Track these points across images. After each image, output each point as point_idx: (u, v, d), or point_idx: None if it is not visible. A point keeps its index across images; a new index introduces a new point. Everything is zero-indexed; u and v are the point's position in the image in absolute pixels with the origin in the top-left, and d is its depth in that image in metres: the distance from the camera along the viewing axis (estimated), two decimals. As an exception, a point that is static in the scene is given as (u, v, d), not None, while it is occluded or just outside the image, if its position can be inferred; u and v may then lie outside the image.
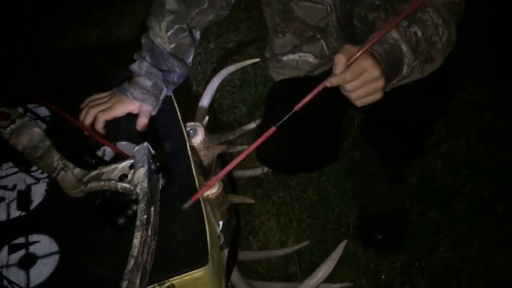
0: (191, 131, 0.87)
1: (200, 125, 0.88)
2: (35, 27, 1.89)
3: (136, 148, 0.65)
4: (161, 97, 0.85)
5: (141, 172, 0.62)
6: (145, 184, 0.60)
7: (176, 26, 0.84)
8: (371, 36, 0.66)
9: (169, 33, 0.83)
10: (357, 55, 0.64)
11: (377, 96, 0.69)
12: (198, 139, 0.86)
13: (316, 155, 1.12)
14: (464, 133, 1.39)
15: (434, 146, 1.34)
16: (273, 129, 0.65)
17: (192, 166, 0.76)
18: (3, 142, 0.72)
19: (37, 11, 1.95)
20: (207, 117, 1.01)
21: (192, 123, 0.88)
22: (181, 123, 0.84)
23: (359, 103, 0.68)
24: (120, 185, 0.64)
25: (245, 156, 0.64)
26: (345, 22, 0.90)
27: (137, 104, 0.82)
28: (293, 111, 0.65)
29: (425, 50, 0.74)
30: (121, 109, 0.82)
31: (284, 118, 0.65)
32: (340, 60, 0.63)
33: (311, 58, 1.00)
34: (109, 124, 0.82)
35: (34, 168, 0.77)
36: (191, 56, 0.90)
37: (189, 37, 0.87)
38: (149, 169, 0.63)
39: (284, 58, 1.03)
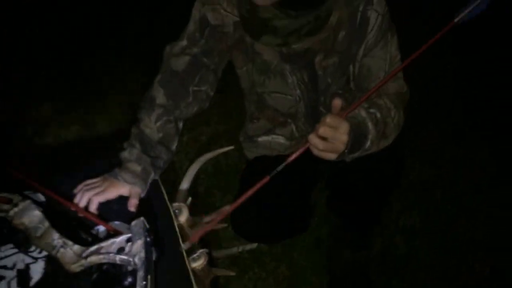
0: (177, 211, 0.97)
1: (184, 205, 0.98)
2: (17, 127, 2.00)
3: (133, 222, 0.74)
4: (149, 181, 0.95)
5: (139, 243, 0.70)
6: (143, 254, 0.68)
7: (164, 118, 0.96)
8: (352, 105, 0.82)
9: (157, 124, 0.96)
10: (346, 113, 0.80)
11: (331, 156, 0.82)
12: (183, 218, 0.96)
13: (288, 225, 1.21)
14: (417, 207, 1.56)
15: (392, 220, 1.49)
16: (267, 178, 0.76)
17: (180, 241, 0.85)
18: (3, 225, 0.79)
19: (19, 112, 2.08)
20: (190, 198, 1.11)
21: (177, 204, 0.98)
22: (168, 203, 0.94)
23: (314, 151, 0.82)
24: (118, 257, 0.72)
25: (234, 207, 0.74)
26: (312, 108, 1.07)
27: (128, 187, 0.91)
28: (284, 163, 0.78)
29: (381, 128, 0.91)
30: (113, 192, 0.90)
31: (277, 169, 0.77)
32: (335, 104, 0.80)
33: (282, 140, 1.15)
34: (101, 205, 0.90)
35: (32, 248, 0.83)
36: (175, 144, 1.02)
37: (175, 127, 1.00)
38: (146, 242, 0.72)
39: (259, 139, 1.17)
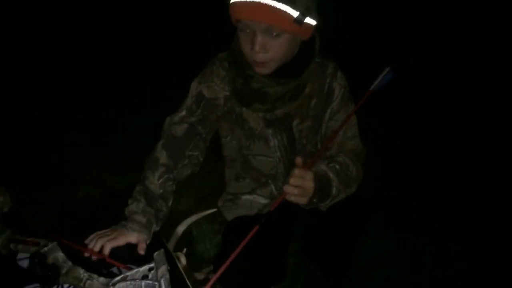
0: (176, 258, 1.07)
1: (182, 253, 1.09)
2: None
3: (156, 253, 0.85)
4: (152, 230, 1.05)
5: (163, 268, 0.80)
6: (168, 276, 0.78)
7: (166, 176, 1.11)
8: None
9: (160, 181, 1.10)
10: (309, 165, 1.01)
11: (304, 200, 1.02)
12: (182, 264, 1.06)
13: (267, 276, 1.28)
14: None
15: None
16: (257, 227, 0.89)
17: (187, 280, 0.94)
18: (39, 260, 0.84)
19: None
20: (185, 249, 1.18)
21: (175, 253, 1.08)
22: (170, 251, 1.04)
23: (290, 198, 1.01)
24: (144, 282, 0.80)
25: (228, 264, 0.87)
26: (290, 169, 1.19)
27: (135, 235, 1.01)
28: (271, 209, 0.95)
29: (343, 178, 1.11)
30: (123, 239, 1.00)
31: (265, 217, 0.93)
32: (297, 162, 1.00)
33: (262, 199, 1.30)
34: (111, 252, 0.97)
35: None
36: (171, 202, 1.14)
37: (172, 185, 1.13)
38: (168, 268, 0.82)
39: (242, 197, 1.31)
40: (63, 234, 0.99)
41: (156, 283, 0.80)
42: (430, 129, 2.88)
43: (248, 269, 1.20)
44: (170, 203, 1.14)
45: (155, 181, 1.10)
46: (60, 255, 0.87)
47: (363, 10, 3.94)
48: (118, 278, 0.83)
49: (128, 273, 0.84)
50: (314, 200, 1.06)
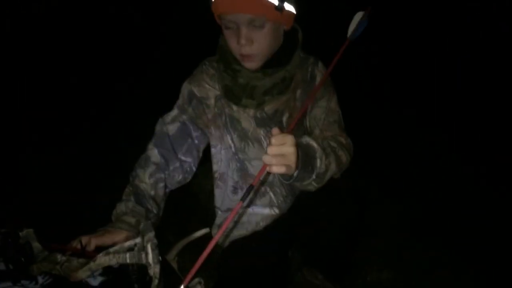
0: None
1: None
2: None
3: (142, 224, 0.83)
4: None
5: (150, 235, 0.78)
6: (155, 241, 0.76)
7: (157, 175, 1.09)
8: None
9: (151, 180, 1.08)
10: (290, 128, 0.91)
11: (288, 169, 0.88)
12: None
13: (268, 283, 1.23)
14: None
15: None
16: (240, 203, 0.83)
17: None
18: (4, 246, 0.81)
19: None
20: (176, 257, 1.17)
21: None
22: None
23: (272, 169, 0.87)
24: (129, 253, 0.79)
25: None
26: None
27: (124, 234, 0.98)
28: (253, 185, 0.85)
29: (328, 152, 1.02)
30: (109, 238, 0.97)
31: (247, 192, 0.85)
32: (274, 131, 0.88)
33: (261, 209, 1.24)
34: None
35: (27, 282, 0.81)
36: (161, 210, 1.11)
37: (163, 189, 1.11)
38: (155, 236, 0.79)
39: (240, 211, 1.24)
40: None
41: (142, 253, 0.78)
42: (430, 129, 2.85)
43: (250, 278, 1.16)
44: (161, 208, 1.11)
45: (146, 180, 1.09)
46: (36, 245, 0.84)
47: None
48: (100, 254, 0.81)
49: (111, 249, 0.81)
50: (298, 171, 0.95)
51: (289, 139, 0.89)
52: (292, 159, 0.90)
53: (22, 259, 0.81)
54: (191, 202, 1.33)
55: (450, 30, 3.76)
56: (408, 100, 3.19)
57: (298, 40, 1.17)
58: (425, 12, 3.84)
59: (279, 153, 0.88)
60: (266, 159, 0.87)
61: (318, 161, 0.98)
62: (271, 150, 0.87)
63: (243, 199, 0.84)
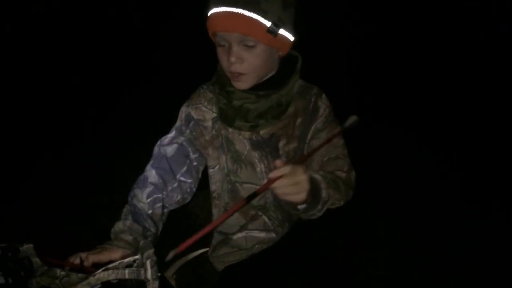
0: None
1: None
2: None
3: (141, 242, 0.84)
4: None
5: (150, 252, 0.78)
6: (155, 258, 0.77)
7: (155, 196, 1.09)
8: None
9: (149, 200, 1.08)
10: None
11: (300, 197, 0.90)
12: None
13: None
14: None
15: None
16: (243, 202, 0.84)
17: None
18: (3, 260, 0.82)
19: None
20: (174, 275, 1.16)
21: None
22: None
23: (282, 196, 0.89)
24: (127, 270, 0.79)
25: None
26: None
27: (120, 252, 0.97)
28: (258, 192, 0.86)
29: (331, 183, 1.03)
30: (106, 255, 0.96)
31: (252, 196, 0.85)
32: (277, 164, 0.88)
33: (257, 233, 1.22)
34: None
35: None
36: (160, 229, 1.11)
37: (161, 208, 1.11)
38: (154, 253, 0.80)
39: (234, 237, 1.23)
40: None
41: (141, 269, 0.79)
42: (429, 129, 2.86)
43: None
44: (159, 228, 1.11)
45: (143, 200, 1.09)
46: (36, 260, 0.84)
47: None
48: (99, 270, 0.81)
49: (110, 265, 0.82)
50: (308, 202, 0.97)
51: (300, 168, 0.91)
52: (305, 187, 0.92)
53: (22, 273, 0.82)
54: (191, 222, 1.33)
55: (450, 30, 3.76)
56: (408, 100, 3.19)
57: (297, 67, 1.16)
58: (425, 12, 3.84)
59: (292, 182, 0.89)
60: (280, 190, 0.89)
61: (324, 192, 1.00)
62: (285, 181, 0.88)
63: (248, 199, 0.86)
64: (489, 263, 1.81)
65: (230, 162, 1.22)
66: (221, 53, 1.08)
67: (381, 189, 2.23)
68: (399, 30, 3.84)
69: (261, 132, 1.17)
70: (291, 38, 1.08)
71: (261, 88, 1.12)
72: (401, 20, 3.87)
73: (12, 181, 2.34)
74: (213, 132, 1.21)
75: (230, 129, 1.18)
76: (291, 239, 1.19)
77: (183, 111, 1.23)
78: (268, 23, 1.00)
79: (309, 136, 1.18)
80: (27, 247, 0.84)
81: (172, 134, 1.21)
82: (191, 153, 1.19)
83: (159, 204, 1.11)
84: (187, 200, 1.20)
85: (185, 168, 1.17)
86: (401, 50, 3.74)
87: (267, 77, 1.14)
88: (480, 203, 2.19)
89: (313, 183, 0.97)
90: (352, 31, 3.92)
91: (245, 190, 1.21)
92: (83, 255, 0.93)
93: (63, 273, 0.82)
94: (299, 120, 1.18)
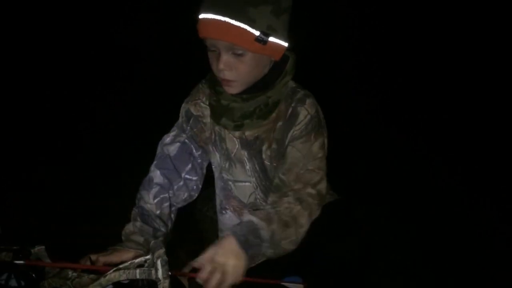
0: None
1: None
2: None
3: (152, 242, 0.84)
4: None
5: (161, 252, 0.79)
6: (165, 258, 0.77)
7: (161, 196, 1.10)
8: None
9: (155, 201, 1.08)
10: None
11: (234, 278, 0.89)
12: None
13: None
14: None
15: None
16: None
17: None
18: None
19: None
20: None
21: None
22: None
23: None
24: (138, 270, 0.80)
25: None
26: (267, 195, 1.18)
27: (131, 253, 0.97)
28: None
29: (274, 217, 0.99)
30: (117, 256, 0.96)
31: None
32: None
33: None
34: None
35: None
36: (169, 228, 1.10)
37: (169, 207, 1.11)
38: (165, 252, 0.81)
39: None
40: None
41: (152, 269, 0.79)
42: (429, 128, 2.87)
43: None
44: (170, 226, 1.11)
45: (150, 201, 1.09)
46: (47, 261, 0.85)
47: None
48: (111, 270, 0.82)
49: (122, 265, 0.82)
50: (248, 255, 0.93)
51: (216, 252, 0.89)
52: (239, 271, 0.90)
53: (34, 275, 0.83)
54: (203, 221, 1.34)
55: (450, 30, 3.76)
56: (407, 101, 3.20)
57: (286, 68, 1.13)
58: (425, 12, 3.85)
59: (212, 272, 0.87)
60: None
61: (264, 232, 0.97)
62: (204, 274, 0.86)
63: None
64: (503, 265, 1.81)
65: (222, 160, 1.22)
66: (211, 57, 1.07)
67: (390, 192, 2.24)
68: (398, 30, 3.84)
69: (247, 133, 1.16)
70: (284, 44, 1.05)
71: (249, 90, 1.10)
72: (400, 20, 3.88)
73: (25, 184, 2.34)
74: (211, 127, 1.21)
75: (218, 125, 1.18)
76: (287, 255, 1.16)
77: (183, 107, 1.23)
78: (256, 32, 0.98)
79: (286, 142, 1.13)
80: (39, 249, 0.85)
81: (173, 132, 1.21)
82: (194, 150, 1.19)
83: (167, 204, 1.11)
84: (194, 197, 1.20)
85: (189, 166, 1.17)
86: (401, 50, 3.75)
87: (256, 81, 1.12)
88: (498, 206, 2.19)
89: (248, 228, 0.95)
90: (352, 33, 3.93)
91: (237, 189, 1.22)
92: (94, 256, 0.94)
93: (74, 274, 0.83)
94: (279, 123, 1.14)
